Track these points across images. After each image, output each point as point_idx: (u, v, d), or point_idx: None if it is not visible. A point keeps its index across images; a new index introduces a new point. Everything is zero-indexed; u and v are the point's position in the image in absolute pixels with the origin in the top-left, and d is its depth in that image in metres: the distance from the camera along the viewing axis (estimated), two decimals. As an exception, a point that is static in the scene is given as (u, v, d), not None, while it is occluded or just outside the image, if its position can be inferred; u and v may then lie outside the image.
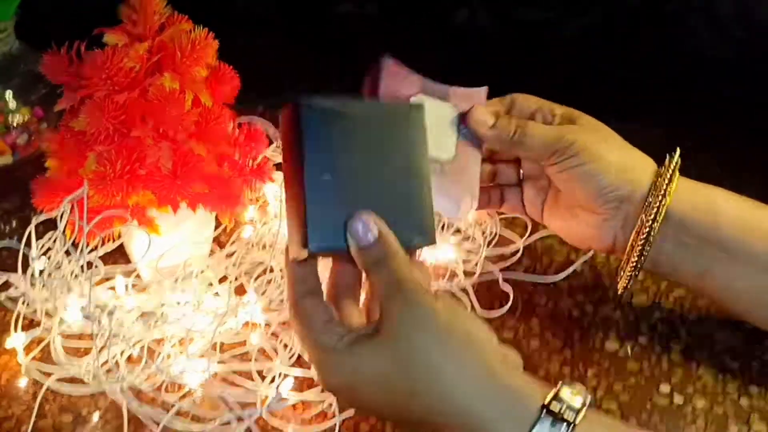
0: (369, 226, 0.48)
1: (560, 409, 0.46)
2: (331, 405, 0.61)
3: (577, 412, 0.46)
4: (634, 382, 0.64)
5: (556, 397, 0.46)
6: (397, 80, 0.59)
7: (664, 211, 0.61)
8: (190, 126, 0.66)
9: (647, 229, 0.61)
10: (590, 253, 0.78)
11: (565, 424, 0.45)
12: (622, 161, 0.63)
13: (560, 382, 0.47)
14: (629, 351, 0.67)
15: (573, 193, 0.63)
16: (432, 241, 0.52)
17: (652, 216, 0.61)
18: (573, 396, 0.46)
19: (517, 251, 0.76)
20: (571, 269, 0.75)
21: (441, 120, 0.60)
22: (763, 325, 0.63)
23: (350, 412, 0.61)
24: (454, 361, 0.47)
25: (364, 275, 0.52)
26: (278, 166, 0.78)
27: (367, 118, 0.50)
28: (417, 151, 0.52)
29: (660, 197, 0.61)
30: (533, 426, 0.45)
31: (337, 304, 0.52)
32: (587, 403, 0.47)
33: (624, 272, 0.63)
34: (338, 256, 0.52)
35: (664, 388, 0.64)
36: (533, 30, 1.25)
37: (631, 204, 0.62)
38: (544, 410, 0.46)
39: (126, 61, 0.64)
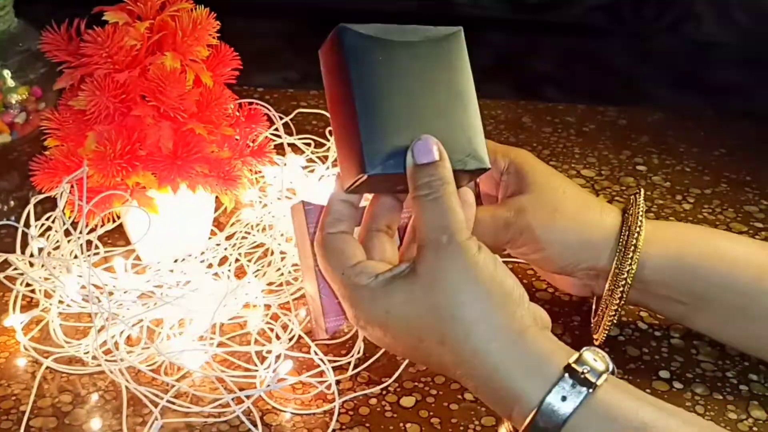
0: (431, 147, 0.48)
1: (582, 370, 0.46)
2: (330, 386, 0.61)
3: (599, 375, 0.46)
4: (634, 367, 0.64)
5: (579, 360, 0.46)
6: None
7: (632, 279, 0.60)
8: (191, 106, 0.66)
9: (619, 293, 0.60)
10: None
11: (586, 385, 0.45)
12: (580, 236, 0.61)
13: (585, 347, 0.48)
14: (629, 336, 0.67)
15: (542, 265, 0.64)
16: (486, 166, 0.52)
17: (623, 283, 0.60)
18: (596, 360, 0.46)
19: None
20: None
21: None
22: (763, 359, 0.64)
23: (350, 395, 0.61)
24: (489, 319, 0.47)
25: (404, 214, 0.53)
26: (277, 147, 0.78)
27: (409, 42, 0.50)
28: (461, 75, 0.51)
29: (626, 268, 0.60)
30: (555, 385, 0.45)
31: (371, 237, 0.52)
32: (610, 368, 0.47)
33: (600, 326, 0.63)
34: (384, 190, 0.52)
35: (664, 374, 0.64)
36: (536, 11, 1.25)
37: (600, 270, 0.62)
38: (567, 371, 0.46)
39: (127, 40, 0.64)
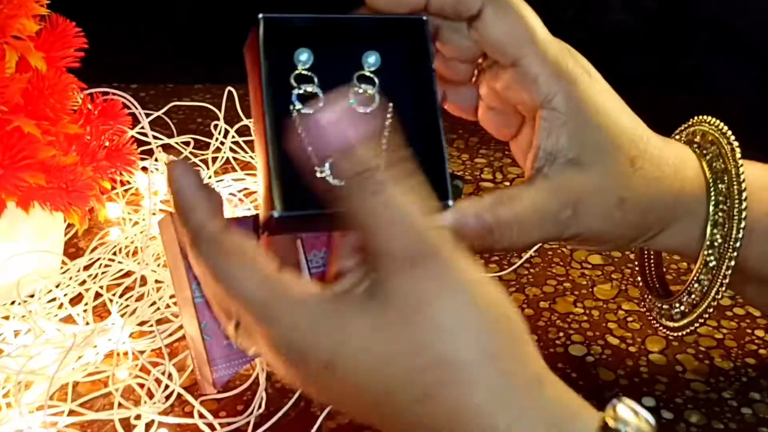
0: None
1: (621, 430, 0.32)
2: (223, 460, 0.46)
3: None
4: (610, 396, 0.51)
5: (615, 417, 0.33)
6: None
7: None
8: (14, 96, 0.50)
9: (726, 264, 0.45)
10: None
11: None
12: (645, 218, 0.43)
13: (614, 399, 0.33)
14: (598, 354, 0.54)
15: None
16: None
17: (731, 251, 0.45)
18: (634, 416, 0.33)
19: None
20: (522, 260, 0.63)
21: None
22: None
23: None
24: (497, 364, 0.33)
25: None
26: (140, 144, 0.62)
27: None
28: None
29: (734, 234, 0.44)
30: None
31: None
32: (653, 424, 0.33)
33: (695, 314, 0.47)
34: None
35: (648, 400, 0.51)
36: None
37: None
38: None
39: None
